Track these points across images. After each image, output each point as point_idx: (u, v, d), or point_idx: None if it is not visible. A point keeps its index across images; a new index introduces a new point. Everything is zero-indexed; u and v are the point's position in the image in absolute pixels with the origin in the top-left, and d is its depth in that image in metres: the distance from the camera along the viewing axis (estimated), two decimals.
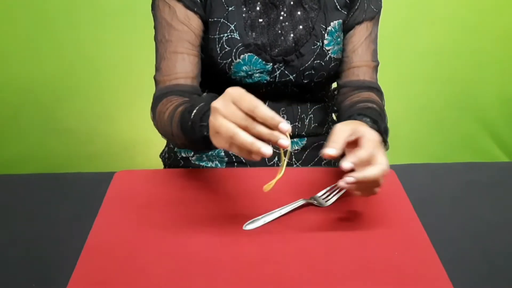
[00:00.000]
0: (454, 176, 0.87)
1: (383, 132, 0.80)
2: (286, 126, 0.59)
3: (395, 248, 0.67)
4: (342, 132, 0.67)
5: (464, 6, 1.87)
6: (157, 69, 0.92)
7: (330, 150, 0.65)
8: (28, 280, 0.63)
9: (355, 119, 0.79)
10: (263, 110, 0.59)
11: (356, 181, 0.64)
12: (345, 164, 0.64)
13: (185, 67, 0.89)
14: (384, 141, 0.83)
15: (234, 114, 0.60)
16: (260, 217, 0.72)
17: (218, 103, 0.61)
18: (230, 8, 0.91)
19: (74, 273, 0.62)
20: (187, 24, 0.89)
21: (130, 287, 0.61)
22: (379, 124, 0.80)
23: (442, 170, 0.91)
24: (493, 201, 0.80)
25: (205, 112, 0.69)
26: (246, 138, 0.59)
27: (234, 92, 0.61)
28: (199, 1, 0.90)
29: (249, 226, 0.71)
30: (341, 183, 0.65)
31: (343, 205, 0.76)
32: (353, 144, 0.68)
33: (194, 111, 0.71)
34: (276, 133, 0.60)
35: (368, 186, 0.67)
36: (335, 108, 1.03)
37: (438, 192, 0.83)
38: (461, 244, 0.70)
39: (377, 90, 0.98)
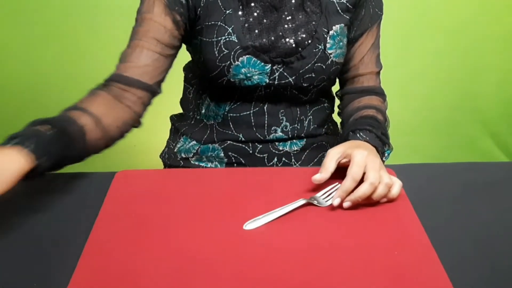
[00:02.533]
0: (454, 176, 0.87)
1: (379, 137, 0.87)
2: None
3: (395, 248, 0.67)
4: (332, 157, 0.78)
5: (464, 6, 1.87)
6: (121, 54, 0.92)
7: (317, 175, 0.77)
8: (29, 280, 0.63)
9: (349, 138, 0.86)
10: None
11: (353, 203, 0.75)
12: (335, 201, 0.75)
13: (138, 60, 0.88)
14: (384, 143, 0.86)
15: None
16: (260, 217, 0.72)
17: None
18: (227, 11, 0.90)
19: (74, 273, 0.62)
20: (160, 21, 0.88)
21: (130, 287, 0.61)
22: (374, 131, 0.87)
23: (442, 170, 0.91)
24: (493, 201, 0.80)
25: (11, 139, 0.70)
26: None
27: None
28: (184, 2, 0.89)
29: (249, 226, 0.71)
30: (345, 205, 0.75)
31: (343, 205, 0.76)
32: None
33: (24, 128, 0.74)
34: None
35: (376, 195, 0.75)
36: (339, 113, 1.04)
37: (438, 192, 0.83)
38: (461, 244, 0.70)
39: (380, 94, 1.00)
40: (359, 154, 0.76)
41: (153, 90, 0.90)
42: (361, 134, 0.86)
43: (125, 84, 0.88)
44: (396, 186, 0.77)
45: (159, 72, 0.91)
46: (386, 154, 0.89)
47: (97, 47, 1.82)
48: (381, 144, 0.86)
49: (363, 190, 0.74)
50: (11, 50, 1.82)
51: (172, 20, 0.89)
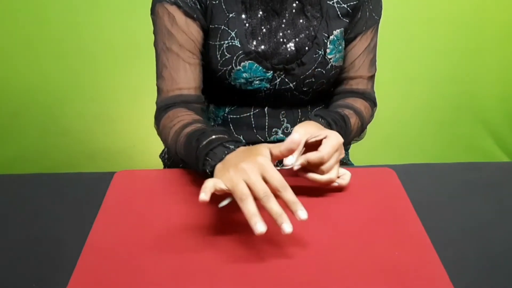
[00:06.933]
0: (454, 176, 0.87)
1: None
2: (303, 215, 0.61)
3: (395, 248, 0.67)
4: (302, 135, 0.75)
5: (464, 5, 1.87)
6: (159, 76, 0.91)
7: (290, 159, 0.73)
8: (28, 280, 0.63)
9: (310, 119, 0.84)
10: (289, 194, 0.62)
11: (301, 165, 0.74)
12: (296, 165, 0.74)
13: (187, 77, 0.89)
14: None
15: (256, 186, 0.61)
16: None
17: (246, 165, 0.62)
18: (230, 15, 0.90)
19: (74, 273, 0.62)
20: (187, 32, 0.89)
21: (130, 287, 0.61)
22: (334, 128, 0.84)
23: (442, 170, 0.91)
24: (493, 201, 0.80)
25: (213, 148, 0.70)
26: (250, 208, 0.60)
27: (264, 163, 0.62)
28: (199, 8, 0.89)
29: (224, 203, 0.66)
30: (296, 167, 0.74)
31: (343, 206, 0.76)
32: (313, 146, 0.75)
33: (203, 143, 0.72)
34: (284, 216, 0.61)
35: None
36: None
37: (438, 192, 0.83)
38: (461, 244, 0.70)
39: (368, 99, 0.99)
40: (336, 137, 0.75)
41: (203, 98, 0.93)
42: (322, 121, 0.85)
43: (185, 103, 0.89)
44: (347, 176, 0.78)
45: (201, 81, 0.93)
46: None
47: (98, 47, 1.82)
48: None
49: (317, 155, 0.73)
50: (11, 50, 1.82)
51: (196, 29, 0.90)
